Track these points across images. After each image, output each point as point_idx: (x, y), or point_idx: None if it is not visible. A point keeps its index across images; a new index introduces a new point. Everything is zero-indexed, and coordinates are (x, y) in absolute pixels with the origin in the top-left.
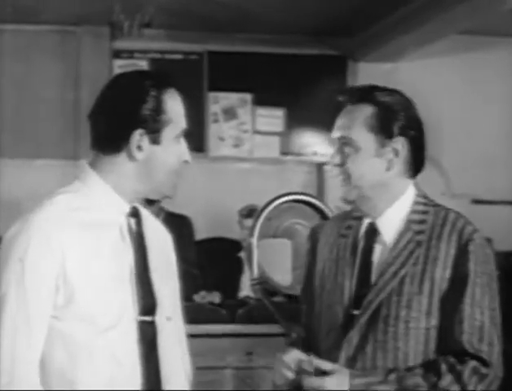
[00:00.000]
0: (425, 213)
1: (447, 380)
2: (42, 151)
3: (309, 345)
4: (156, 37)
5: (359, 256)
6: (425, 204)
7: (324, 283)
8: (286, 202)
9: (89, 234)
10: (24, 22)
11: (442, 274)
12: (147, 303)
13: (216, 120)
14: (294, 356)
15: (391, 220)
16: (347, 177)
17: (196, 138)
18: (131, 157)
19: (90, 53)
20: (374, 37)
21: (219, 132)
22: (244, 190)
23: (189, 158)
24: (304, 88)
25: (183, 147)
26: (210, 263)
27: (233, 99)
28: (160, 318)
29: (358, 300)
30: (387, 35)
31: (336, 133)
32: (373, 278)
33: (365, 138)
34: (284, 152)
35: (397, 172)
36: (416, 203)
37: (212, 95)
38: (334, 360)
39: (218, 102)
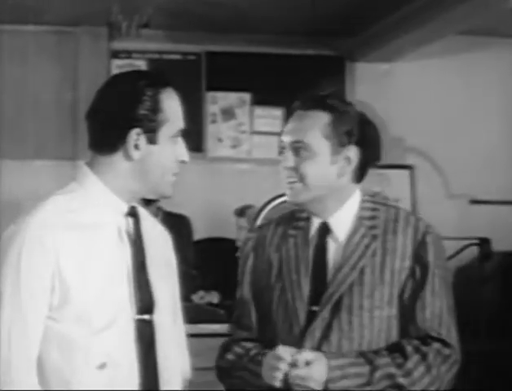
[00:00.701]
0: (374, 209)
1: (413, 360)
2: (41, 152)
3: (264, 344)
4: (154, 37)
5: (313, 254)
6: (373, 202)
7: (275, 282)
8: (284, 202)
9: (85, 234)
10: (21, 23)
11: (401, 264)
12: (145, 302)
13: (214, 121)
14: (287, 350)
15: (342, 219)
16: (301, 180)
17: (195, 139)
18: (128, 157)
19: (88, 53)
20: (372, 37)
21: (217, 132)
22: (243, 190)
23: (187, 158)
24: (302, 88)
25: (180, 146)
26: (209, 263)
27: (231, 99)
28: (158, 317)
29: (316, 297)
30: (385, 36)
31: (289, 137)
32: (330, 274)
33: (321, 145)
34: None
35: (348, 179)
36: (363, 201)
37: (210, 95)
38: None
39: (216, 102)
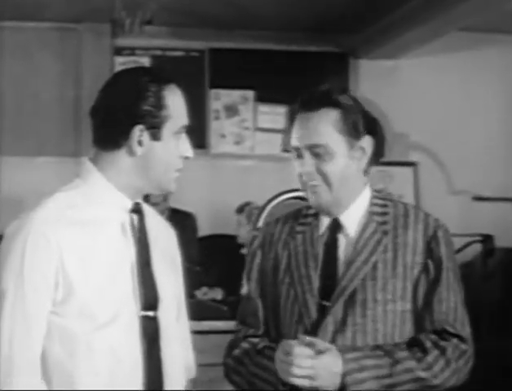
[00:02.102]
0: (384, 205)
1: (433, 354)
2: (43, 149)
3: (271, 339)
4: (157, 34)
5: (323, 249)
6: (382, 199)
7: (283, 277)
8: (288, 199)
9: (88, 230)
10: (25, 19)
11: (413, 259)
12: (149, 298)
13: (217, 117)
14: (299, 344)
15: (353, 215)
16: (325, 181)
17: (198, 135)
18: (131, 153)
19: (92, 50)
20: (376, 34)
21: (221, 129)
22: (246, 187)
23: (191, 154)
24: (306, 85)
25: (184, 142)
26: (212, 260)
27: (235, 96)
28: (162, 314)
29: (326, 291)
30: (389, 32)
31: (304, 141)
32: (340, 269)
33: (337, 142)
34: (286, 149)
35: (362, 171)
36: (374, 197)
37: (213, 92)
38: None
39: (219, 99)
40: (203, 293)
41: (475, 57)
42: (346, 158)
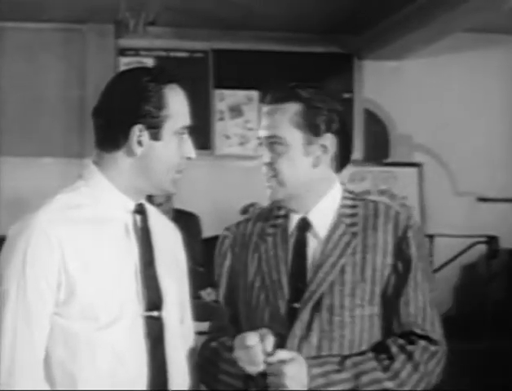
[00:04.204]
0: (354, 206)
1: (399, 360)
2: (47, 149)
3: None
4: (161, 34)
5: (292, 250)
6: (352, 199)
7: (254, 281)
8: None
9: (91, 231)
10: (29, 20)
11: (383, 260)
12: (153, 298)
13: (222, 118)
14: (254, 337)
15: (322, 212)
16: (275, 176)
17: (202, 136)
18: (131, 153)
19: (96, 51)
20: (380, 35)
21: (225, 130)
22: (250, 188)
23: (193, 155)
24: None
25: (186, 143)
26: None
27: (239, 97)
28: (166, 314)
29: (296, 293)
30: (393, 33)
31: (264, 132)
32: (309, 272)
33: (293, 136)
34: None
35: (324, 168)
36: (344, 198)
37: (218, 93)
38: None
39: (223, 99)
40: (207, 294)
41: (479, 58)
42: (301, 154)
